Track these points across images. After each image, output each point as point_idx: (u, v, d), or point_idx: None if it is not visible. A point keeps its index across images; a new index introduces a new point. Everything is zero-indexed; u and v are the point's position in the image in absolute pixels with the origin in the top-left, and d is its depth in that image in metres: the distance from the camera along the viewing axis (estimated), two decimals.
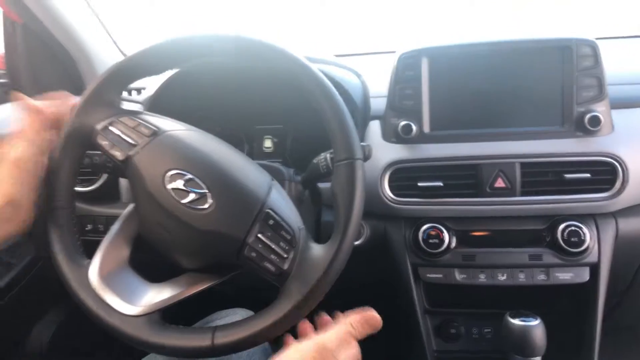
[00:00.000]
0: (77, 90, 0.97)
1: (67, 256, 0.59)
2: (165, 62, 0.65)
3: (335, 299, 0.56)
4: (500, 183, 0.75)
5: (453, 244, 0.77)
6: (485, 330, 0.85)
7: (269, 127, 1.01)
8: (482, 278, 0.77)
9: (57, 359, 0.89)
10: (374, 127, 0.83)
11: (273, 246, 0.56)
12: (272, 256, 0.56)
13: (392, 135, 0.80)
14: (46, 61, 0.97)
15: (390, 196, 0.78)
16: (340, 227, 0.56)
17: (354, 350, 0.54)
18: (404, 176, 0.78)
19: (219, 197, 0.58)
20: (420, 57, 0.78)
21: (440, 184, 0.76)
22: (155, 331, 0.57)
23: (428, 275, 0.78)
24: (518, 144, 0.77)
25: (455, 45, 0.78)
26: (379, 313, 0.58)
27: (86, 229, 0.87)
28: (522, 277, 0.77)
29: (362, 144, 0.69)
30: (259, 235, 0.56)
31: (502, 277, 0.76)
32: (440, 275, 0.78)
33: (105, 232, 0.75)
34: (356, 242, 0.80)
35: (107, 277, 0.59)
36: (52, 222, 0.61)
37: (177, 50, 0.64)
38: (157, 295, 0.60)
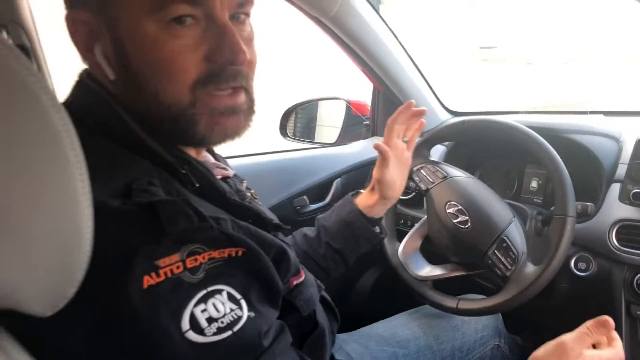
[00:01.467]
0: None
1: (389, 240, 1.10)
2: (460, 136, 1.08)
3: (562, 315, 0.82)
4: None
5: None
6: None
7: (536, 171, 1.30)
8: None
9: (376, 296, 1.46)
10: (615, 188, 1.04)
11: (502, 259, 0.93)
12: (501, 265, 0.93)
13: (626, 198, 1.00)
14: (391, 112, 1.53)
15: (615, 244, 1.00)
16: (546, 261, 0.87)
17: (594, 352, 0.61)
18: (630, 231, 0.98)
19: (474, 223, 0.97)
20: None
21: None
22: (428, 291, 1.01)
23: (638, 312, 0.97)
24: None
25: None
26: None
27: (400, 222, 1.38)
28: None
29: (587, 203, 0.97)
30: (495, 251, 0.93)
31: None
32: None
33: (410, 226, 1.26)
34: (584, 274, 1.05)
35: (407, 255, 1.07)
36: (384, 218, 1.13)
37: (469, 129, 1.06)
38: (432, 271, 1.05)
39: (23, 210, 0.30)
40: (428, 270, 1.05)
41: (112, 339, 0.41)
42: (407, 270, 1.05)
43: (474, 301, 0.96)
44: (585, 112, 1.35)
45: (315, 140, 1.65)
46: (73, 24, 0.51)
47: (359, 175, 1.44)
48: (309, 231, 0.92)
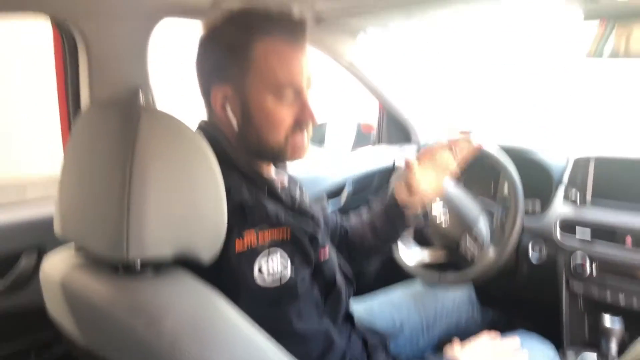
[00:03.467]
0: (406, 139, 1.82)
1: None
2: None
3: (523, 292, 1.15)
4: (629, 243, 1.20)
5: (594, 272, 1.25)
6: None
7: None
8: (608, 297, 1.23)
9: (379, 276, 1.80)
10: (561, 190, 1.37)
11: (474, 244, 1.25)
12: (471, 249, 1.25)
13: (568, 198, 1.33)
14: (391, 124, 1.87)
15: (558, 235, 1.32)
16: (503, 245, 1.20)
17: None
18: (568, 224, 1.31)
19: (451, 214, 1.29)
20: (589, 160, 1.30)
21: (589, 233, 1.26)
22: (419, 270, 1.34)
23: (574, 287, 1.30)
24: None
25: (617, 159, 1.27)
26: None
27: None
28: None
29: (535, 200, 1.30)
30: (468, 237, 1.26)
31: (621, 296, 1.21)
32: (581, 291, 1.28)
33: None
34: (537, 262, 1.37)
35: (403, 240, 1.39)
36: None
37: None
38: (421, 255, 1.37)
39: (203, 203, 0.63)
40: (418, 254, 1.38)
41: (219, 274, 0.74)
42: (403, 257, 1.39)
43: (451, 275, 1.29)
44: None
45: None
46: (215, 93, 0.84)
47: (366, 181, 1.77)
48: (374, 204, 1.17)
